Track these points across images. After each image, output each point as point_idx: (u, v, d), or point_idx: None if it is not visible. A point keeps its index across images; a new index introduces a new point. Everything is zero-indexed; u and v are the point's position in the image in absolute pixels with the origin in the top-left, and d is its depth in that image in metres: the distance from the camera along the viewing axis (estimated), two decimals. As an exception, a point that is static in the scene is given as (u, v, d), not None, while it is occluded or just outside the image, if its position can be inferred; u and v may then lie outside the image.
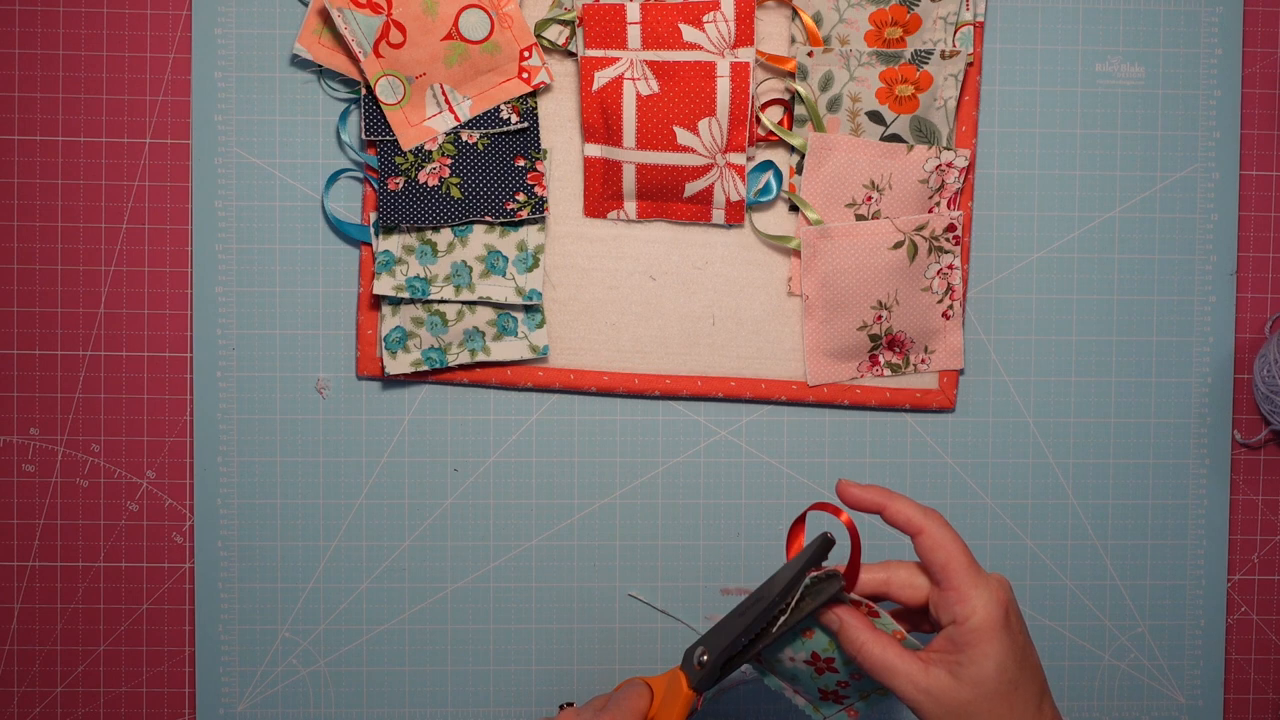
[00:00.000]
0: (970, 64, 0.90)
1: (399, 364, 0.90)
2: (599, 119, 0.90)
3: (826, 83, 0.90)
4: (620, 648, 0.94)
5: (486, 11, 0.88)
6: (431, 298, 0.89)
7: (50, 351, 0.91)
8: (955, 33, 0.90)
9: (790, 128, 0.91)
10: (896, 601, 0.73)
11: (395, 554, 0.93)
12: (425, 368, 0.90)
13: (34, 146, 0.91)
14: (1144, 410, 0.94)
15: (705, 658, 0.72)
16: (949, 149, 0.90)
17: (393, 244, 0.89)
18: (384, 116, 0.89)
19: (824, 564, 0.71)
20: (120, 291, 0.91)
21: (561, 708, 0.74)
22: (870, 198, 0.91)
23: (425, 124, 0.89)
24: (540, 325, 0.91)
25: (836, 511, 0.71)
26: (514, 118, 0.90)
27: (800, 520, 0.74)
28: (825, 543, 0.70)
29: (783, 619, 0.70)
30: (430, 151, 0.89)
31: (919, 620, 0.74)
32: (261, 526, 0.92)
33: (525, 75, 0.90)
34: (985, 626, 0.68)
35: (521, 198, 0.90)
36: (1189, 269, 0.94)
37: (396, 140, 0.89)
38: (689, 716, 0.73)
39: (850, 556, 0.71)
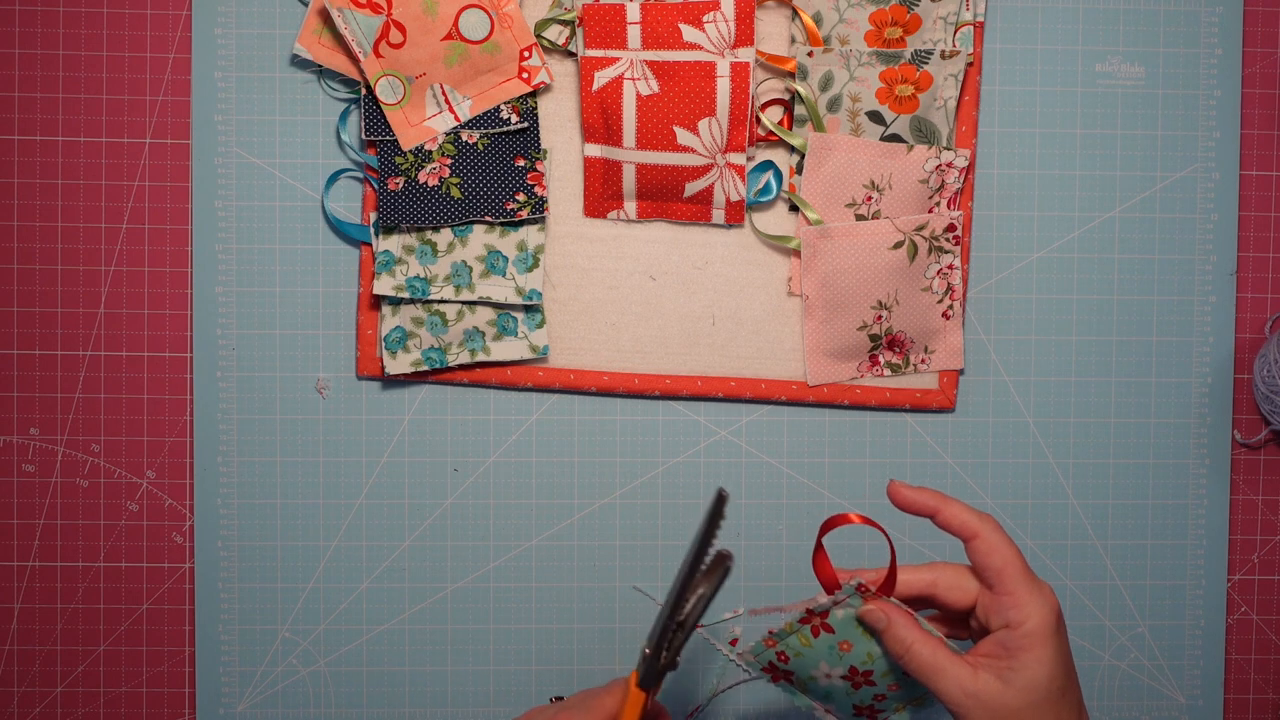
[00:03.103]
0: (970, 64, 0.90)
1: (399, 364, 0.90)
2: (599, 119, 0.90)
3: (826, 83, 0.90)
4: (620, 647, 0.94)
5: (486, 11, 0.88)
6: (431, 298, 0.89)
7: (50, 351, 0.91)
8: (955, 33, 0.90)
9: (790, 128, 0.91)
10: (942, 604, 0.72)
11: (395, 554, 0.93)
12: (425, 368, 0.90)
13: (34, 146, 0.91)
14: (1144, 410, 0.94)
15: (646, 650, 0.71)
16: (949, 149, 0.90)
17: (393, 244, 0.89)
18: (384, 116, 0.89)
19: (841, 592, 0.70)
20: (120, 291, 0.91)
21: (552, 700, 0.74)
22: (870, 198, 0.91)
23: (425, 124, 0.89)
24: (540, 325, 0.91)
25: (847, 520, 0.70)
26: (514, 118, 0.90)
27: (821, 539, 0.72)
28: (719, 498, 0.69)
29: (693, 597, 0.69)
30: (430, 151, 0.89)
31: (957, 626, 0.74)
32: (261, 526, 0.92)
33: (525, 75, 0.90)
34: (1039, 632, 0.68)
35: (521, 198, 0.90)
36: (1189, 269, 0.94)
37: (396, 140, 0.89)
38: (644, 713, 0.72)
39: (889, 564, 0.70)
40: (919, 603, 0.73)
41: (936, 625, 0.73)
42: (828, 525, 0.71)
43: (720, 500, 0.69)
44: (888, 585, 0.71)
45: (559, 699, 0.74)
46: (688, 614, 0.70)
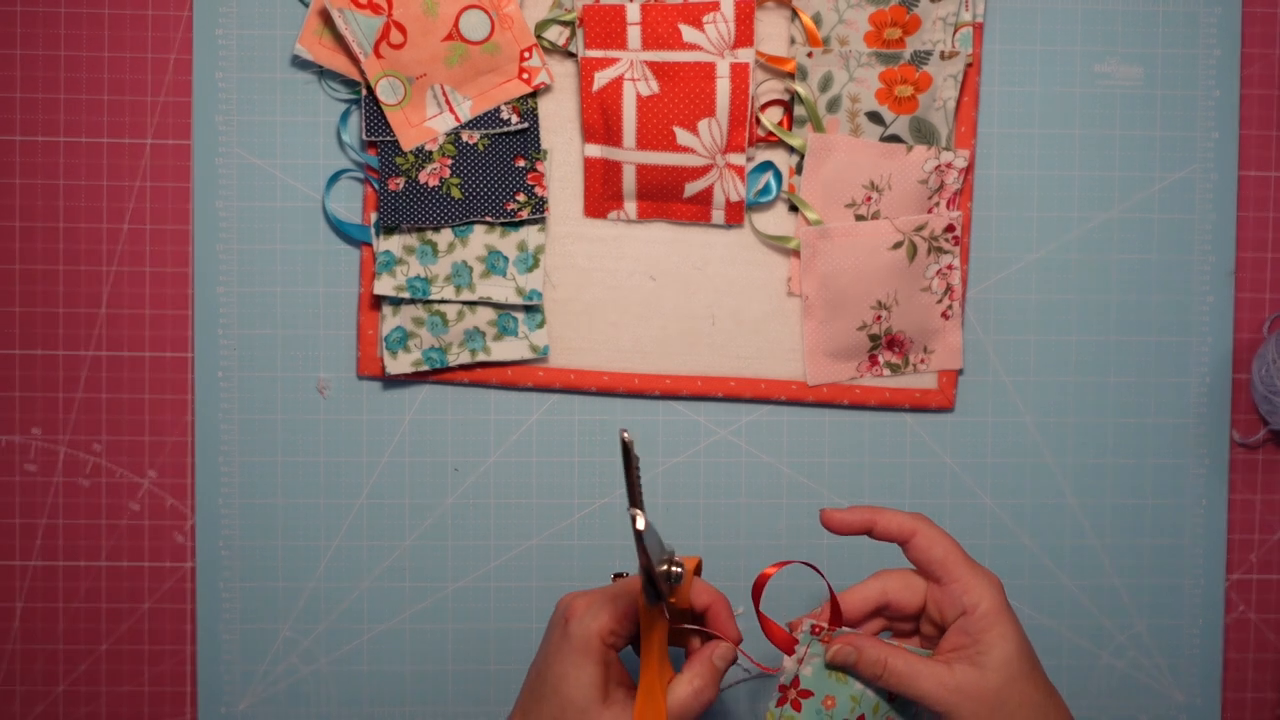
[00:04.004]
0: (969, 64, 0.91)
1: (399, 364, 0.90)
2: (599, 119, 0.90)
3: (826, 83, 0.90)
4: (620, 647, 0.94)
5: (487, 12, 0.88)
6: (432, 298, 0.89)
7: (52, 351, 0.92)
8: (955, 33, 0.90)
9: (790, 128, 0.91)
10: (895, 610, 0.74)
11: (396, 554, 0.93)
12: (426, 368, 0.90)
13: (35, 147, 0.91)
14: (1142, 410, 0.95)
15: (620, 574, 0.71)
16: (948, 149, 0.91)
17: (393, 244, 0.90)
18: (384, 117, 0.89)
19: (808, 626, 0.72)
20: (121, 292, 0.92)
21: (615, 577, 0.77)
22: (870, 198, 0.91)
23: (426, 124, 0.89)
24: (540, 325, 0.91)
25: (767, 576, 0.72)
26: (514, 118, 0.90)
27: (758, 606, 0.73)
28: (623, 444, 0.66)
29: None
30: (430, 152, 0.90)
31: (907, 639, 0.75)
32: (262, 526, 0.92)
33: (525, 76, 0.90)
34: (995, 610, 0.70)
35: (522, 198, 0.90)
36: (1187, 269, 0.94)
37: (397, 140, 0.89)
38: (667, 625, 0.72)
39: (829, 594, 0.71)
40: (873, 618, 0.74)
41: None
42: (757, 587, 0.73)
43: (625, 448, 0.66)
44: (836, 615, 0.72)
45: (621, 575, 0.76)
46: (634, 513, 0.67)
